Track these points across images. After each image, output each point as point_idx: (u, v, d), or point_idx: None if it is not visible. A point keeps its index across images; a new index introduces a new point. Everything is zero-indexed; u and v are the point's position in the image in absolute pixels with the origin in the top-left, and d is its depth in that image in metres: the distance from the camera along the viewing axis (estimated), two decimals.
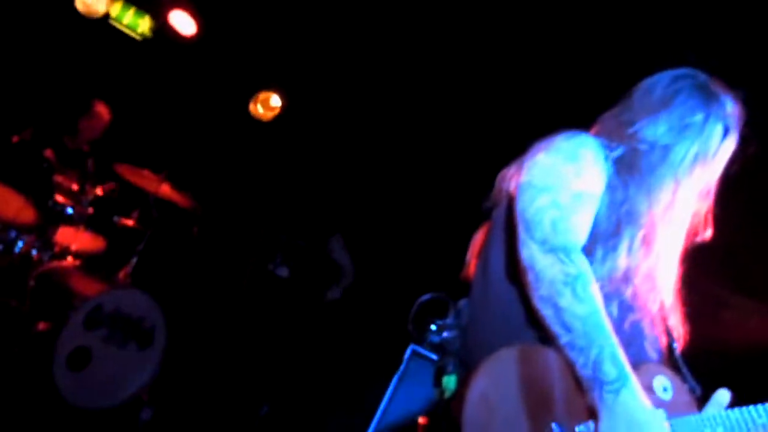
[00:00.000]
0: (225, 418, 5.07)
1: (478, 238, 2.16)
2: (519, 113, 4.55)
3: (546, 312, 1.69)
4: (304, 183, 5.96)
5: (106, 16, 6.15)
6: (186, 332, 5.37)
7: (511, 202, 1.93)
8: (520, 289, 1.81)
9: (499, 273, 1.92)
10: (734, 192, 2.08)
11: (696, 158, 1.93)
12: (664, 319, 2.01)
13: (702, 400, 1.86)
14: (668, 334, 2.01)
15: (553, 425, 1.62)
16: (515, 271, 1.82)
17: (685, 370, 1.95)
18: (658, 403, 1.72)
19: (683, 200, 1.94)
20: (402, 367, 4.86)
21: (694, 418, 1.76)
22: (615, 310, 1.82)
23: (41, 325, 4.35)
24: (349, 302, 5.72)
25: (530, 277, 1.74)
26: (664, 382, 1.78)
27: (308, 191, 5.95)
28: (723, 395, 1.85)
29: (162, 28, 6.30)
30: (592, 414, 1.62)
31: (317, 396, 5.35)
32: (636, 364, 1.75)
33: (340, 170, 6.12)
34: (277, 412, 5.17)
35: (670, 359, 1.98)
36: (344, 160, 6.15)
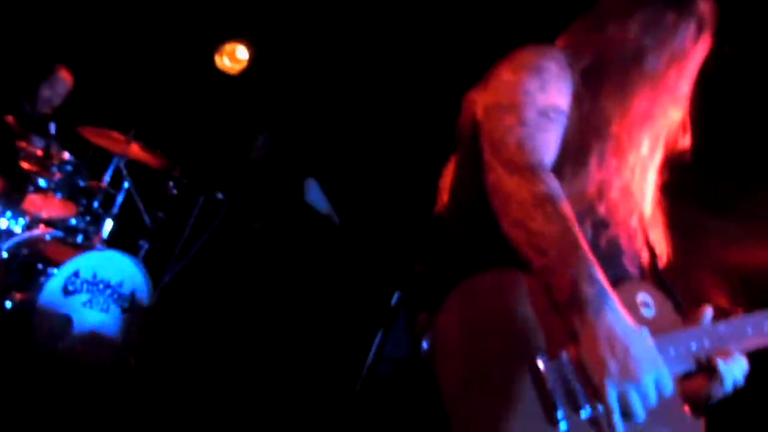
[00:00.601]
0: (215, 376, 5.03)
1: (448, 169, 2.04)
2: (485, 33, 4.42)
3: (517, 236, 1.58)
4: (276, 133, 5.81)
5: None
6: (169, 293, 5.30)
7: (477, 127, 1.80)
8: (491, 217, 1.67)
9: (469, 202, 1.81)
10: (710, 102, 1.99)
11: (670, 60, 1.83)
12: (645, 233, 1.92)
13: (685, 316, 1.80)
14: (650, 248, 1.92)
15: (538, 357, 1.52)
16: (485, 199, 1.69)
17: (668, 285, 1.87)
18: (641, 321, 1.63)
19: (659, 107, 1.84)
20: (390, 313, 4.82)
21: (679, 335, 1.70)
22: (589, 228, 1.72)
23: (18, 296, 4.25)
24: (330, 249, 5.63)
25: (498, 201, 1.62)
26: (646, 299, 1.71)
27: (280, 142, 5.80)
28: (706, 310, 1.79)
29: None
30: (574, 338, 1.53)
31: (308, 348, 5.31)
32: (616, 282, 1.66)
33: (312, 117, 5.98)
34: (268, 367, 5.13)
35: (652, 275, 1.89)
36: (315, 107, 6.01)
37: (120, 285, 4.53)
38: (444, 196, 1.99)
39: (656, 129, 1.87)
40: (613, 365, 1.47)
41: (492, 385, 1.49)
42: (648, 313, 1.69)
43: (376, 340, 4.86)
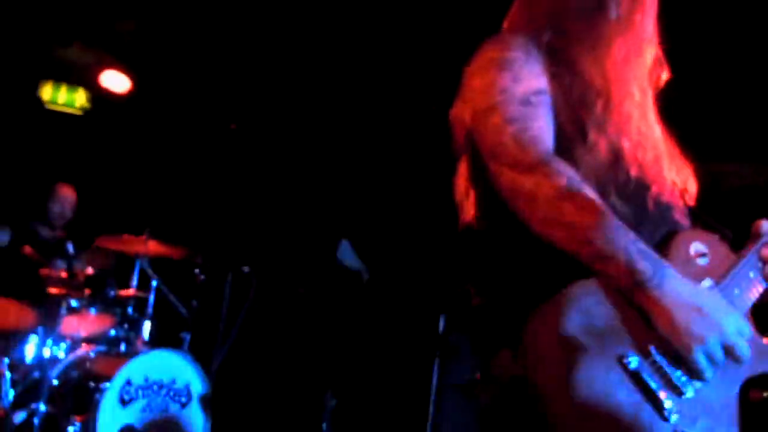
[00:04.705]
0: None
1: (459, 181, 1.95)
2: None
3: (554, 233, 1.53)
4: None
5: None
6: (222, 376, 5.27)
7: (471, 139, 1.76)
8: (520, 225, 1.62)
9: (492, 217, 1.75)
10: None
11: (632, 3, 1.79)
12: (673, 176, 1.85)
13: (735, 245, 1.76)
14: (681, 190, 1.86)
15: (629, 360, 1.47)
16: (505, 208, 1.64)
17: (711, 221, 1.82)
18: (700, 273, 1.62)
19: (635, 49, 1.79)
20: (442, 341, 4.79)
21: (736, 272, 1.66)
22: (616, 197, 1.65)
23: (78, 419, 4.26)
24: (368, 300, 5.59)
25: (521, 204, 1.58)
26: (699, 248, 1.66)
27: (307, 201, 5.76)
28: (762, 225, 1.76)
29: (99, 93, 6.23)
30: (650, 322, 1.49)
31: (371, 400, 5.24)
32: (668, 239, 1.65)
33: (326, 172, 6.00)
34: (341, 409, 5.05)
35: (693, 216, 1.83)
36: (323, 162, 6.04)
37: (173, 382, 4.52)
38: (463, 209, 1.92)
39: (639, 72, 1.82)
40: (691, 328, 1.46)
41: (600, 405, 1.43)
42: (704, 261, 1.65)
43: (435, 370, 4.81)
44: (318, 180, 6.08)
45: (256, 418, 5.37)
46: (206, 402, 4.62)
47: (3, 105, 5.95)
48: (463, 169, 1.91)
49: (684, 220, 1.77)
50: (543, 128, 1.64)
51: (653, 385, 1.46)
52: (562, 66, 1.72)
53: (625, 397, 1.44)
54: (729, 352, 1.48)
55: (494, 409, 1.65)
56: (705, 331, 1.46)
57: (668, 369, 1.49)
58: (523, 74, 1.68)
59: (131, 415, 4.30)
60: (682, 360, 1.48)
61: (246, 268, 5.39)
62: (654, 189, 1.72)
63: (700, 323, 1.46)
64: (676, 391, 1.49)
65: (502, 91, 1.66)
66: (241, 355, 5.48)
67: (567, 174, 1.55)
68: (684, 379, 1.49)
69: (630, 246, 1.49)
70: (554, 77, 1.71)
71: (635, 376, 1.46)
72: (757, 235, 1.76)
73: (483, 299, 1.75)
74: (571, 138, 1.67)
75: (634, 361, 1.46)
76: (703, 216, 1.83)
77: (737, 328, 1.49)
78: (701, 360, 1.47)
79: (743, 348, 1.49)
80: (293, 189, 6.17)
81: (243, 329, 5.26)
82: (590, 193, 1.54)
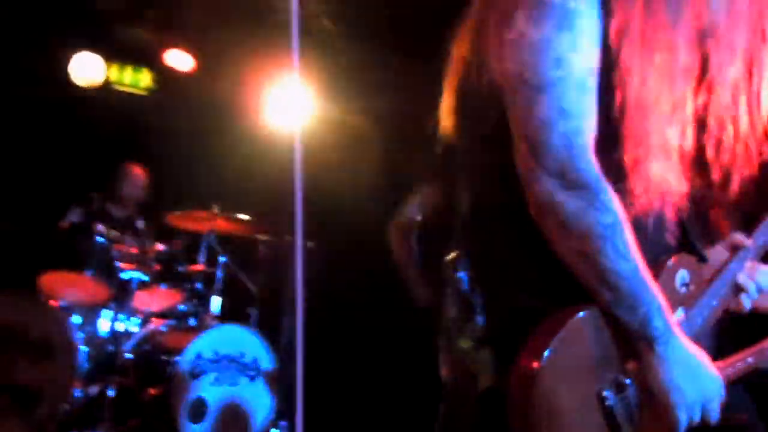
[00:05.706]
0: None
1: (446, 94, 1.69)
2: None
3: (581, 267, 1.41)
4: None
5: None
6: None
7: (498, 98, 1.45)
8: (532, 233, 1.45)
9: (500, 215, 1.57)
10: None
11: None
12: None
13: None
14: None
15: (606, 393, 1.48)
16: (519, 206, 1.45)
17: (692, 242, 1.69)
18: (679, 301, 1.59)
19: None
20: None
21: (704, 298, 1.66)
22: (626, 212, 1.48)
23: (151, 392, 4.36)
24: None
25: (553, 223, 1.39)
26: (683, 276, 1.63)
27: None
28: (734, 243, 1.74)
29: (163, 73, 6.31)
30: (636, 357, 1.47)
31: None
32: (658, 265, 1.57)
33: None
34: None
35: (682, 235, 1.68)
36: None
37: (242, 356, 4.59)
38: (443, 122, 1.70)
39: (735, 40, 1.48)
40: (682, 390, 1.45)
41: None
42: (684, 290, 1.63)
43: None
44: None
45: (324, 394, 5.38)
46: (272, 377, 4.67)
47: (71, 84, 6.07)
48: (450, 81, 1.68)
49: (673, 241, 1.62)
50: (592, 128, 1.40)
51: (623, 424, 1.48)
52: (625, 17, 1.41)
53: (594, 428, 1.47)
54: (704, 415, 1.50)
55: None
56: (692, 397, 1.46)
57: (635, 404, 1.50)
58: (584, 40, 1.37)
59: (202, 388, 4.38)
60: (653, 404, 1.48)
61: (310, 244, 5.40)
62: (657, 205, 1.55)
63: (690, 389, 1.45)
64: (633, 421, 1.50)
65: (558, 61, 1.36)
66: (309, 331, 5.50)
67: (615, 211, 1.39)
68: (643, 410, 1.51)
69: (652, 301, 1.42)
70: (618, 36, 1.41)
71: (607, 411, 1.47)
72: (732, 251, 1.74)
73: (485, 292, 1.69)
74: (605, 127, 1.43)
75: (610, 398, 1.48)
76: (687, 237, 1.69)
77: (718, 395, 1.51)
78: (682, 419, 1.46)
79: (716, 415, 1.51)
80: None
81: (312, 305, 5.26)
82: (630, 238, 1.41)
